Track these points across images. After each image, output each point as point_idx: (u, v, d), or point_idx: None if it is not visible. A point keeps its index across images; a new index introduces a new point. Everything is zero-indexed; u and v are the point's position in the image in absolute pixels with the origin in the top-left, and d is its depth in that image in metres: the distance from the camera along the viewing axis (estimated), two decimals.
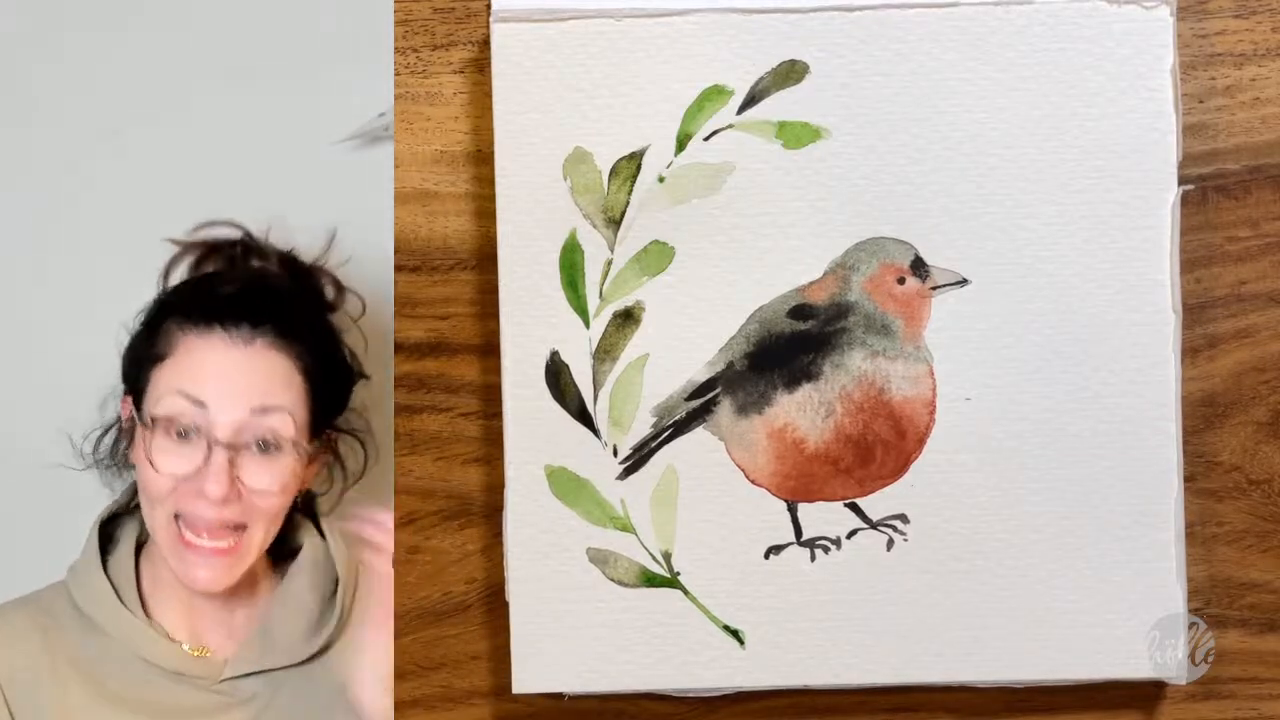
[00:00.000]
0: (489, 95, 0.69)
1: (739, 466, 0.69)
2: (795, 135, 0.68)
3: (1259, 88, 0.70)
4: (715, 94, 0.68)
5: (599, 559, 0.69)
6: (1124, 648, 0.69)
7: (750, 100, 0.68)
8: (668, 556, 0.69)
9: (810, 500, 0.69)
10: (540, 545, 0.69)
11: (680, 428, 0.69)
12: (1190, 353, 0.70)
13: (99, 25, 0.84)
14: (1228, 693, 0.71)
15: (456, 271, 0.71)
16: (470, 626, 0.72)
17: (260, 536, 0.74)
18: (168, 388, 0.75)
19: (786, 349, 0.69)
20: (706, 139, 0.68)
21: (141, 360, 0.77)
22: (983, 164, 0.68)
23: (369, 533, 0.71)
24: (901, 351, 0.68)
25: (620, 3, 0.68)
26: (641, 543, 0.69)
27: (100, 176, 0.84)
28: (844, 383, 0.68)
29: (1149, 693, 0.70)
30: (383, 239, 0.71)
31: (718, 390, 0.69)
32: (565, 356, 0.69)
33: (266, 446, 0.72)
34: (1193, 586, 0.69)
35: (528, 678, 0.69)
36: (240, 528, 0.73)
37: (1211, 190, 0.70)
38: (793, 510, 0.69)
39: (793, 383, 0.69)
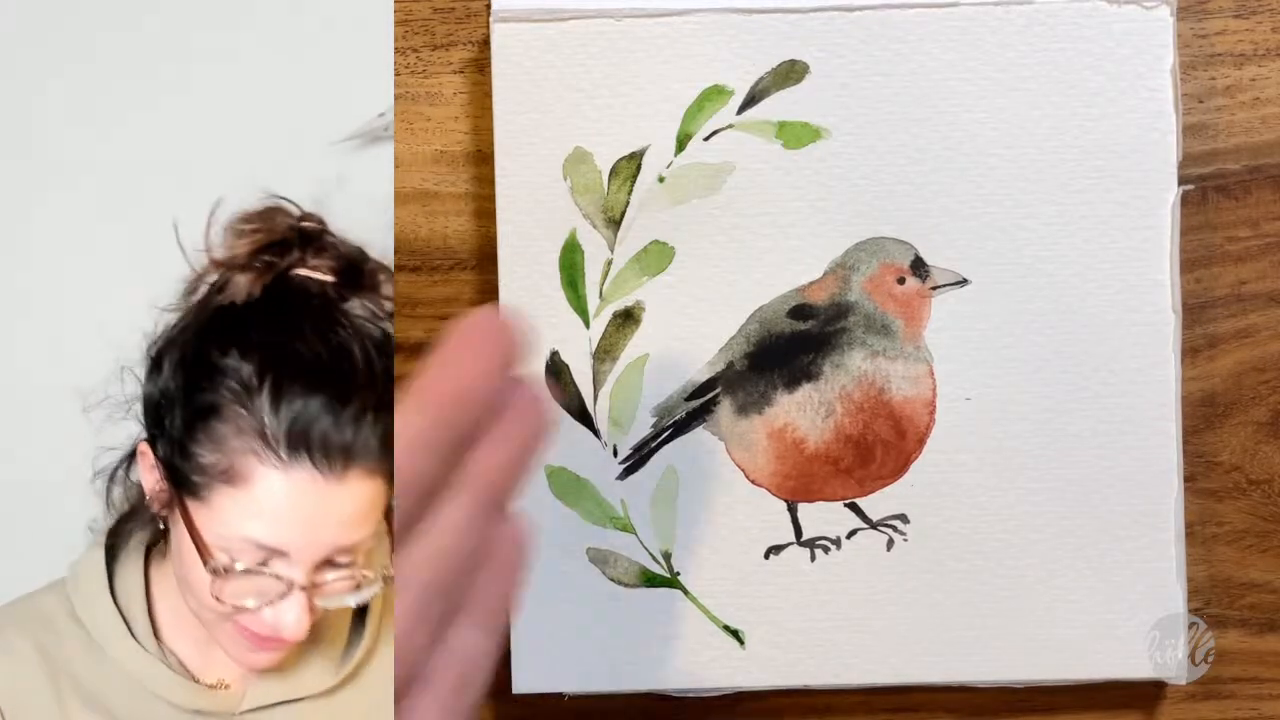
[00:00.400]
0: (489, 95, 0.69)
1: (739, 466, 0.69)
2: (795, 135, 0.68)
3: (1259, 88, 0.70)
4: (715, 94, 0.68)
5: (599, 559, 0.69)
6: (1124, 648, 0.69)
7: (750, 100, 0.68)
8: (668, 556, 0.69)
9: (810, 500, 0.69)
10: (540, 545, 0.69)
11: (680, 428, 0.69)
12: (1190, 353, 0.70)
13: (97, 25, 0.84)
14: (1228, 693, 0.71)
15: (456, 271, 0.71)
16: None
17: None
18: (236, 529, 0.63)
19: (786, 349, 0.69)
20: (706, 139, 0.69)
21: (189, 453, 0.64)
22: (983, 164, 0.68)
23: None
24: (901, 351, 0.68)
25: (620, 3, 0.68)
26: (641, 543, 0.69)
27: (96, 172, 0.84)
28: (844, 383, 0.69)
29: (1149, 693, 0.70)
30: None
31: (718, 390, 0.69)
32: (565, 356, 0.69)
33: (345, 565, 0.65)
34: (1193, 586, 0.69)
35: (528, 678, 0.69)
36: None
37: (1211, 190, 0.70)
38: (793, 510, 0.69)
39: (793, 383, 0.69)
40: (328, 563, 0.64)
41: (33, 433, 0.83)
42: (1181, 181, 0.68)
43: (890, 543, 0.69)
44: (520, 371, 0.46)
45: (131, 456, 0.70)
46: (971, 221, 0.68)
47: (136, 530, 0.73)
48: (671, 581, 0.69)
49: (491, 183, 0.69)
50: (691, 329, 0.69)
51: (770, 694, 0.71)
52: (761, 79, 0.68)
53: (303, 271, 0.68)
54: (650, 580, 0.69)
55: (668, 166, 0.69)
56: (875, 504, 0.69)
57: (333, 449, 0.62)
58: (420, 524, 0.47)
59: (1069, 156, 0.68)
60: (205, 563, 0.64)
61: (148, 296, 0.69)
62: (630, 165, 0.69)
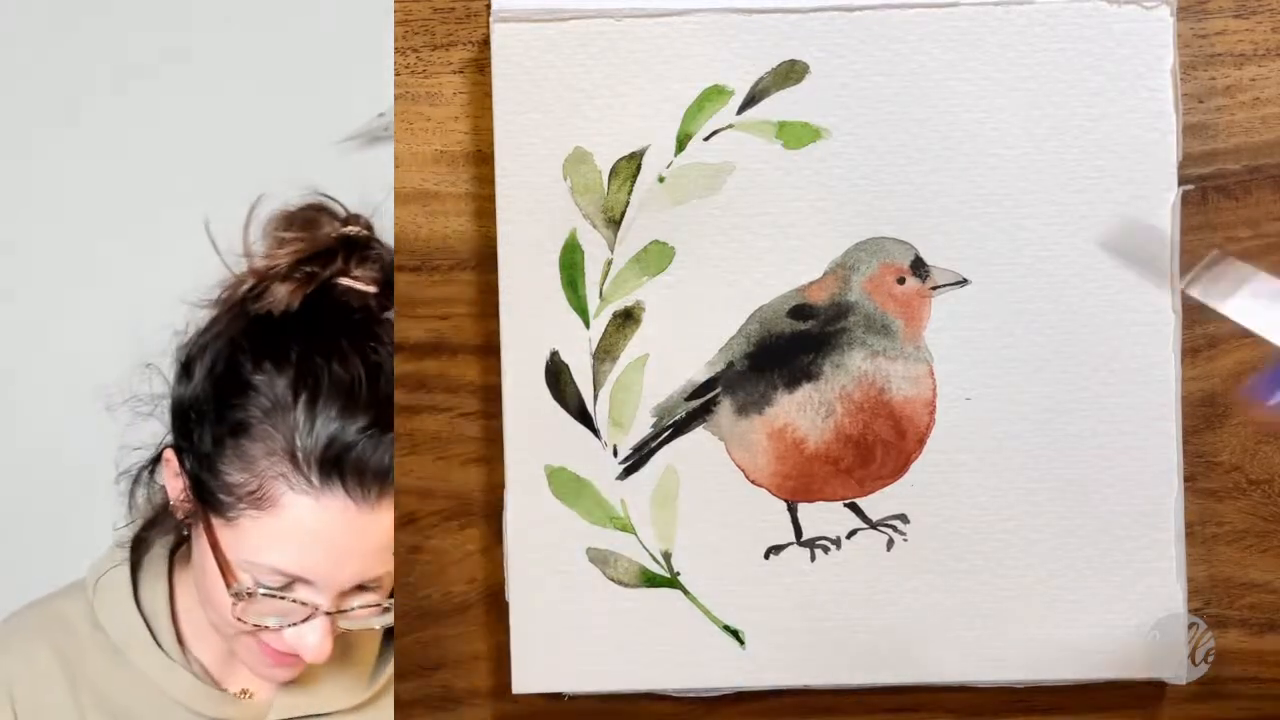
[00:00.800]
0: (489, 95, 0.69)
1: (739, 466, 0.69)
2: (795, 135, 0.68)
3: (1259, 88, 0.70)
4: (715, 94, 0.68)
5: (599, 559, 0.69)
6: (1124, 648, 0.68)
7: (750, 100, 0.68)
8: (668, 556, 0.69)
9: (810, 500, 0.69)
10: (540, 545, 0.69)
11: (680, 428, 0.69)
12: (1190, 353, 0.70)
13: (96, 25, 0.84)
14: (1228, 693, 0.71)
15: (456, 271, 0.71)
16: (470, 626, 0.72)
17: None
18: (262, 555, 0.61)
19: (786, 349, 0.69)
20: (706, 139, 0.68)
21: (216, 471, 0.61)
22: (983, 164, 0.68)
23: None
24: (901, 351, 0.68)
25: (620, 3, 0.68)
26: (641, 543, 0.69)
27: (96, 175, 0.84)
28: (844, 383, 0.68)
29: (1149, 693, 0.70)
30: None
31: (718, 390, 0.69)
32: (565, 356, 0.69)
33: (371, 590, 0.62)
34: (1193, 586, 0.69)
35: (528, 678, 0.69)
36: None
37: (1211, 190, 0.70)
38: (793, 510, 0.69)
39: (793, 383, 0.69)
40: (355, 589, 0.62)
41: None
42: (1181, 181, 0.68)
43: (890, 543, 0.69)
44: None
45: (156, 460, 0.69)
46: (971, 221, 0.68)
47: (160, 535, 0.71)
48: (671, 581, 0.69)
49: (491, 183, 0.69)
50: (691, 329, 0.69)
51: (770, 694, 0.71)
52: (761, 79, 0.68)
53: (346, 282, 0.65)
54: (650, 580, 0.69)
55: (668, 166, 0.69)
56: (875, 504, 0.69)
57: (367, 475, 0.59)
58: None
59: (1069, 156, 0.68)
60: (228, 586, 0.62)
61: (176, 291, 0.67)
62: (630, 165, 0.69)
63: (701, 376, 0.69)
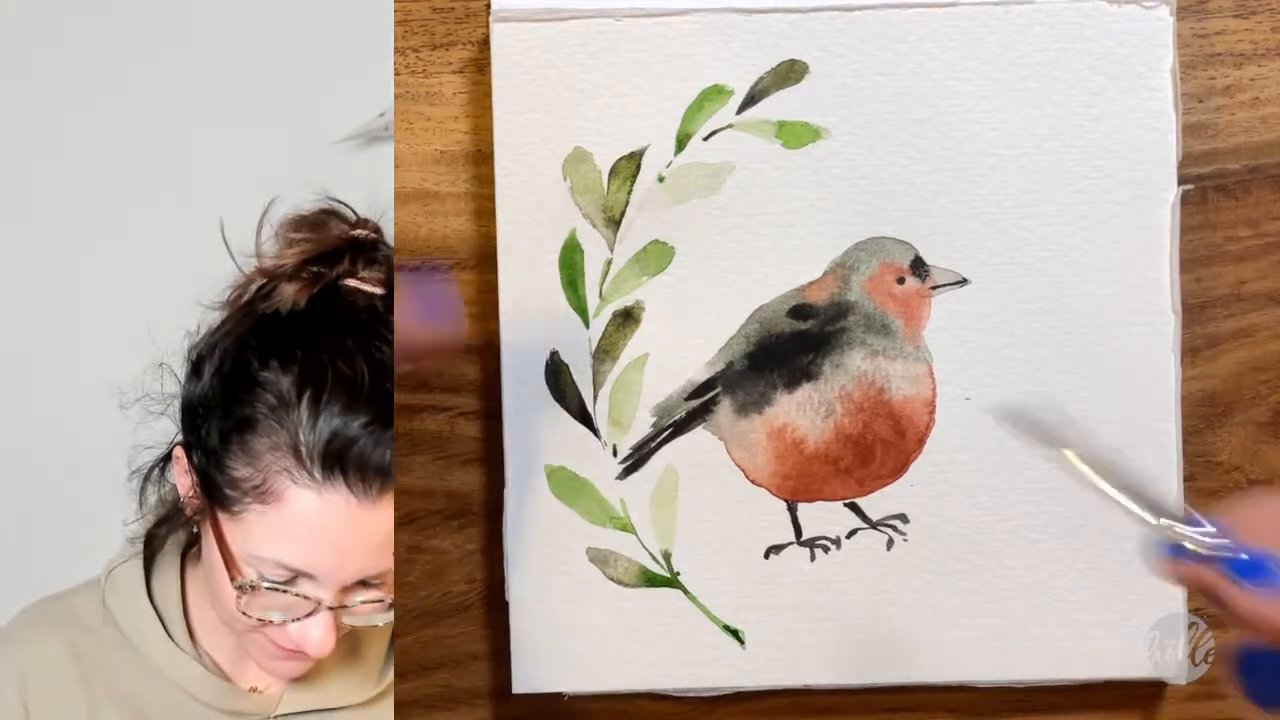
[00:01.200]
0: (489, 95, 0.69)
1: (739, 466, 0.69)
2: (795, 135, 0.68)
3: (1259, 88, 0.70)
4: (715, 94, 0.68)
5: (599, 559, 0.69)
6: (1124, 648, 0.68)
7: (750, 100, 0.68)
8: (668, 556, 0.69)
9: (810, 500, 0.69)
10: (540, 545, 0.69)
11: (680, 428, 0.69)
12: (1190, 353, 0.70)
13: (97, 25, 0.84)
14: (1228, 693, 0.70)
15: (456, 271, 0.71)
16: (470, 626, 0.72)
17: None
18: (266, 550, 0.62)
19: (786, 349, 0.69)
20: (706, 139, 0.68)
21: (223, 465, 0.63)
22: (983, 164, 0.68)
23: None
24: (901, 351, 0.68)
25: (620, 3, 0.68)
26: (641, 543, 0.69)
27: (97, 178, 0.84)
28: (844, 382, 0.68)
29: (1149, 693, 0.70)
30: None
31: (717, 390, 0.69)
32: (565, 356, 0.69)
33: (375, 585, 0.64)
34: None
35: (528, 678, 0.69)
36: None
37: (1211, 190, 0.70)
38: (793, 510, 0.69)
39: (793, 382, 0.69)
40: (357, 585, 0.63)
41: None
42: (1181, 181, 0.68)
43: (890, 543, 0.69)
44: None
45: (167, 458, 0.70)
46: (971, 221, 0.68)
47: (174, 533, 0.72)
48: (671, 581, 0.69)
49: (491, 183, 0.69)
50: (691, 329, 0.69)
51: (770, 694, 0.71)
52: (761, 79, 0.68)
53: (352, 282, 0.66)
54: (650, 580, 0.69)
55: (668, 166, 0.69)
56: (875, 504, 0.69)
57: (369, 471, 0.60)
58: None
59: (1069, 156, 0.68)
60: (232, 579, 0.63)
61: (191, 293, 0.68)
62: (630, 165, 0.69)
63: (701, 376, 0.69)
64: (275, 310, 0.64)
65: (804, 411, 0.69)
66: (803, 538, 0.69)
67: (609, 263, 0.69)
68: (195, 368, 0.66)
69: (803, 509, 0.69)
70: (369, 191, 0.75)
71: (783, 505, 0.69)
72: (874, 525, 0.69)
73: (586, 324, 0.69)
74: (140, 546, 0.71)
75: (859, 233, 0.69)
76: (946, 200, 0.68)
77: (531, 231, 0.69)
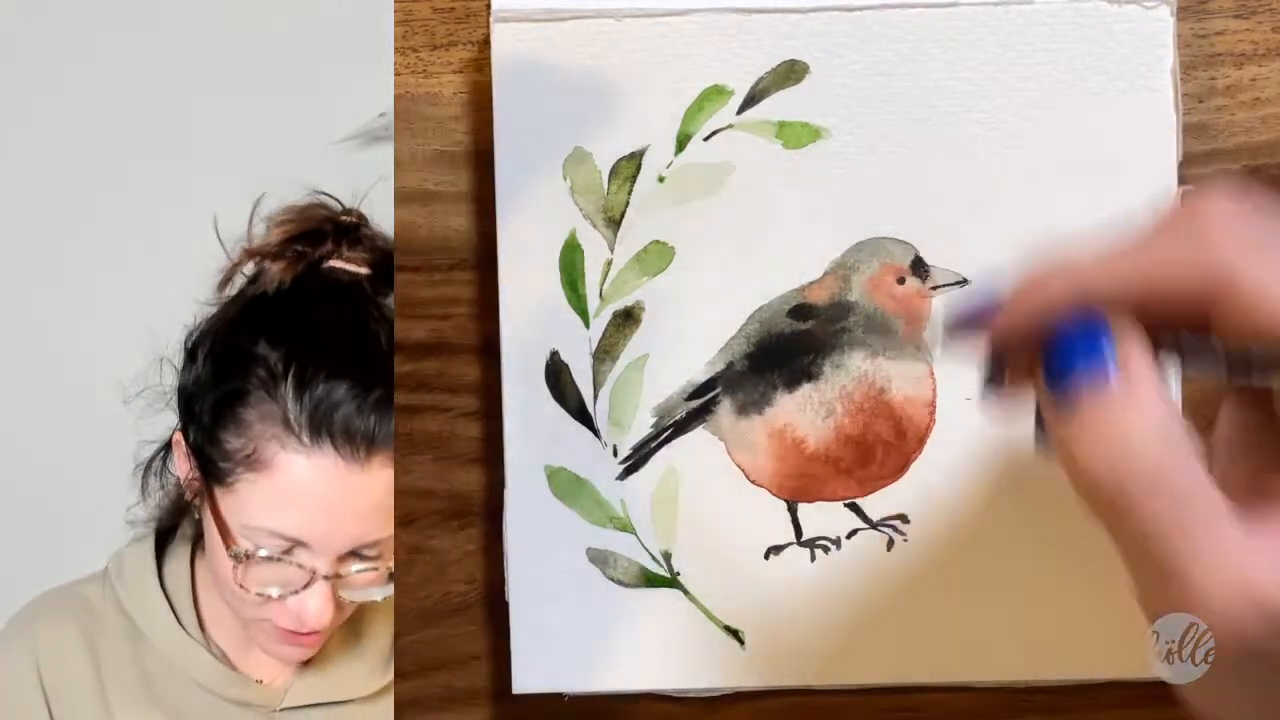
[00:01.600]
0: (489, 95, 0.69)
1: (739, 467, 0.69)
2: (795, 135, 0.68)
3: (1259, 88, 0.70)
4: (715, 94, 0.68)
5: (599, 559, 0.69)
6: (1124, 648, 0.68)
7: (750, 100, 0.68)
8: (668, 556, 0.69)
9: (810, 500, 0.69)
10: (540, 545, 0.69)
11: (680, 428, 0.69)
12: None
13: (98, 26, 0.84)
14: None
15: (456, 271, 0.71)
16: (470, 626, 0.72)
17: (354, 608, 0.68)
18: (259, 519, 0.63)
19: (786, 349, 0.69)
20: (706, 139, 0.68)
21: (216, 439, 0.64)
22: (983, 164, 0.68)
23: None
24: (902, 351, 0.68)
25: (620, 3, 0.68)
26: (641, 543, 0.69)
27: (97, 178, 0.84)
28: (844, 383, 0.68)
29: (1149, 693, 0.70)
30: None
31: (718, 390, 0.69)
32: (565, 356, 0.69)
33: (370, 560, 0.64)
34: None
35: (528, 678, 0.69)
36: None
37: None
38: (793, 510, 0.69)
39: (793, 383, 0.69)
40: (352, 555, 0.64)
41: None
42: (1181, 181, 0.68)
43: (890, 543, 0.69)
44: None
45: (168, 447, 0.71)
46: (971, 221, 0.68)
47: (183, 526, 0.72)
48: (671, 581, 0.69)
49: (491, 183, 0.69)
50: (691, 329, 0.69)
51: (770, 694, 0.71)
52: (761, 79, 0.68)
53: (338, 264, 0.68)
54: (650, 580, 0.69)
55: (668, 166, 0.69)
56: (875, 504, 0.69)
57: (355, 434, 0.62)
58: None
59: (1069, 157, 0.68)
60: (228, 548, 0.64)
61: (188, 290, 0.69)
62: (630, 165, 0.69)
63: (701, 376, 0.69)
64: (263, 292, 0.65)
65: (804, 412, 0.69)
66: (803, 538, 0.69)
67: (609, 263, 0.69)
68: (190, 355, 0.68)
69: (803, 509, 0.69)
70: (361, 187, 0.75)
71: (783, 505, 0.69)
72: (874, 525, 0.69)
73: (586, 324, 0.69)
74: (141, 531, 0.72)
75: (859, 233, 0.69)
76: (946, 200, 0.68)
77: (531, 231, 0.69)
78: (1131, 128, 0.68)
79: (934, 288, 0.68)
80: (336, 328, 0.65)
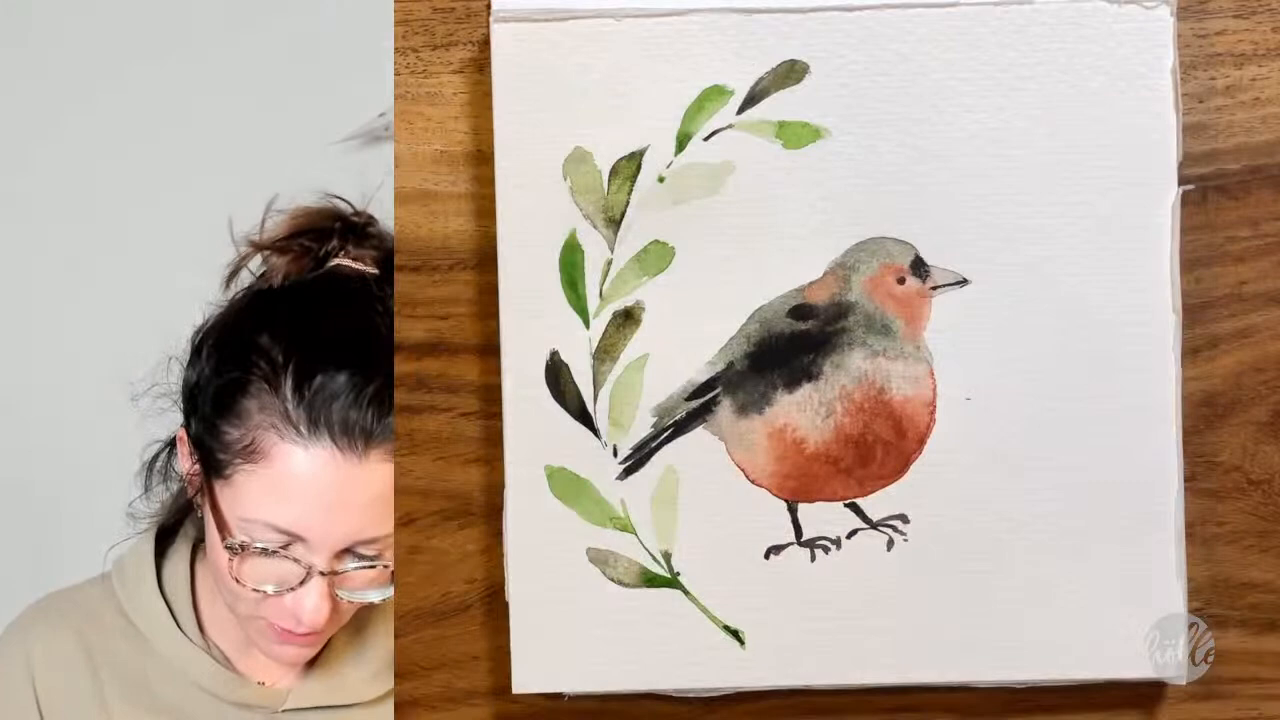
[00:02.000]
0: (489, 95, 0.69)
1: (739, 466, 0.69)
2: (795, 135, 0.68)
3: (1259, 88, 0.70)
4: (715, 94, 0.68)
5: (599, 559, 0.69)
6: (1124, 648, 0.68)
7: (750, 100, 0.68)
8: (668, 556, 0.69)
9: (810, 500, 0.69)
10: (540, 545, 0.69)
11: (680, 428, 0.69)
12: (1190, 353, 0.70)
13: (98, 27, 0.84)
14: (1228, 693, 0.71)
15: (456, 271, 0.71)
16: (470, 626, 0.72)
17: (354, 610, 0.68)
18: (256, 511, 0.63)
19: (787, 349, 0.69)
20: (706, 139, 0.68)
21: (216, 430, 0.64)
22: (983, 164, 0.68)
23: None
24: (901, 351, 0.68)
25: (620, 3, 0.68)
26: (641, 543, 0.69)
27: (99, 180, 0.84)
28: (844, 383, 0.68)
29: (1149, 693, 0.70)
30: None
31: (718, 390, 0.69)
32: (565, 356, 0.69)
33: (368, 560, 0.65)
34: (1193, 586, 0.69)
35: (528, 678, 0.69)
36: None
37: (1211, 190, 0.70)
38: (793, 510, 0.69)
39: (793, 383, 0.69)
40: (349, 553, 0.64)
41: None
42: (1181, 181, 0.68)
43: (890, 543, 0.69)
44: None
45: (172, 445, 0.71)
46: (971, 221, 0.68)
47: (185, 527, 0.73)
48: (672, 581, 0.69)
49: (491, 183, 0.69)
50: (691, 329, 0.69)
51: (770, 694, 0.71)
52: (761, 79, 0.68)
53: (345, 262, 0.69)
54: (650, 580, 0.69)
55: (668, 166, 0.69)
56: (875, 504, 0.69)
57: (353, 427, 0.62)
58: None
59: (1069, 157, 0.68)
60: (223, 539, 0.64)
61: (198, 291, 0.70)
62: (630, 165, 0.69)
63: (702, 376, 0.69)
64: (268, 286, 0.66)
65: (804, 412, 0.69)
66: (803, 538, 0.69)
67: (609, 263, 0.69)
68: (196, 350, 0.68)
69: (803, 509, 0.69)
70: (369, 188, 0.75)
71: (783, 505, 0.69)
72: (874, 525, 0.69)
73: (587, 324, 0.69)
74: (142, 527, 0.72)
75: (859, 233, 0.69)
76: (947, 200, 0.68)
77: (531, 231, 0.69)
78: (1131, 127, 0.68)
79: (934, 287, 0.68)
80: (340, 323, 0.66)
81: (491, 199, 0.69)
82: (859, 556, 0.69)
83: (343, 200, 0.69)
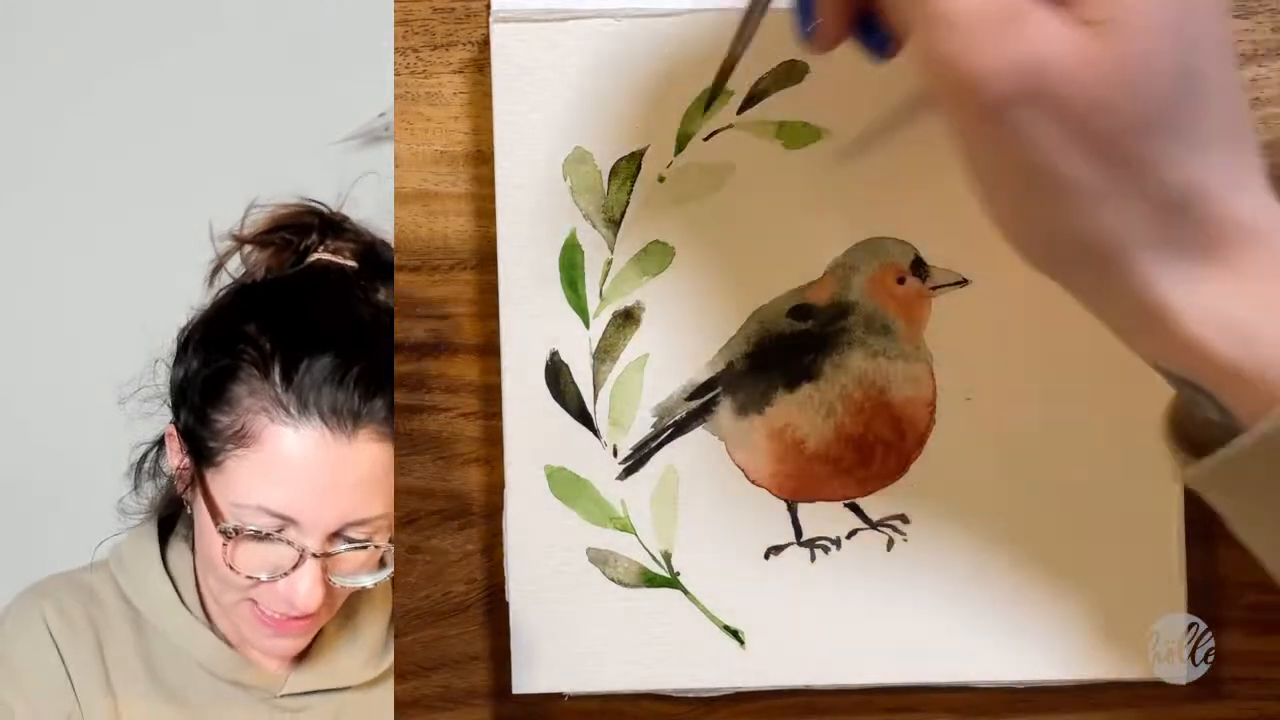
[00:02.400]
0: (489, 95, 0.69)
1: (739, 467, 0.69)
2: (795, 135, 0.68)
3: (1259, 88, 0.70)
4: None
5: (599, 559, 0.69)
6: (1124, 648, 0.68)
7: (750, 100, 0.68)
8: (668, 557, 0.69)
9: (811, 500, 0.69)
10: (540, 545, 0.69)
11: (680, 428, 0.69)
12: None
13: (98, 26, 0.84)
14: (1228, 693, 0.71)
15: (456, 271, 0.71)
16: (470, 626, 0.72)
17: (344, 597, 0.69)
18: (249, 495, 0.64)
19: (787, 349, 0.69)
20: (706, 139, 0.68)
21: (206, 418, 0.65)
22: None
23: None
24: (902, 351, 0.68)
25: (620, 3, 0.68)
26: (641, 543, 0.69)
27: (95, 180, 0.84)
28: (844, 383, 0.68)
29: (1149, 693, 0.70)
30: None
31: (718, 390, 0.69)
32: (565, 357, 0.69)
33: (359, 542, 0.65)
34: (1193, 586, 0.69)
35: (528, 678, 0.69)
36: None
37: None
38: (793, 510, 0.69)
39: (793, 383, 0.69)
40: (342, 535, 0.64)
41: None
42: None
43: (890, 543, 0.69)
44: None
45: (159, 444, 0.72)
46: (971, 221, 0.68)
47: (181, 522, 0.73)
48: (672, 582, 0.69)
49: (491, 183, 0.69)
50: (691, 329, 0.69)
51: (770, 694, 0.71)
52: (761, 79, 0.68)
53: (325, 256, 0.69)
54: (650, 580, 0.69)
55: (668, 166, 0.69)
56: (875, 504, 0.69)
57: (342, 408, 0.63)
58: None
59: None
60: (216, 524, 0.64)
61: (183, 293, 0.70)
62: (630, 165, 0.69)
63: (702, 376, 0.69)
64: (252, 280, 0.67)
65: (804, 412, 0.69)
66: (803, 538, 0.69)
67: (609, 263, 0.69)
68: (183, 348, 0.69)
69: (803, 509, 0.69)
70: (369, 191, 0.75)
71: (783, 505, 0.69)
72: (874, 525, 0.69)
73: (586, 324, 0.69)
74: (135, 520, 0.73)
75: (859, 233, 0.69)
76: (946, 200, 0.68)
77: (531, 231, 0.69)
78: None
79: (934, 288, 0.68)
80: (324, 309, 0.67)
81: (491, 199, 0.69)
82: (859, 556, 0.69)
83: (319, 203, 0.69)
